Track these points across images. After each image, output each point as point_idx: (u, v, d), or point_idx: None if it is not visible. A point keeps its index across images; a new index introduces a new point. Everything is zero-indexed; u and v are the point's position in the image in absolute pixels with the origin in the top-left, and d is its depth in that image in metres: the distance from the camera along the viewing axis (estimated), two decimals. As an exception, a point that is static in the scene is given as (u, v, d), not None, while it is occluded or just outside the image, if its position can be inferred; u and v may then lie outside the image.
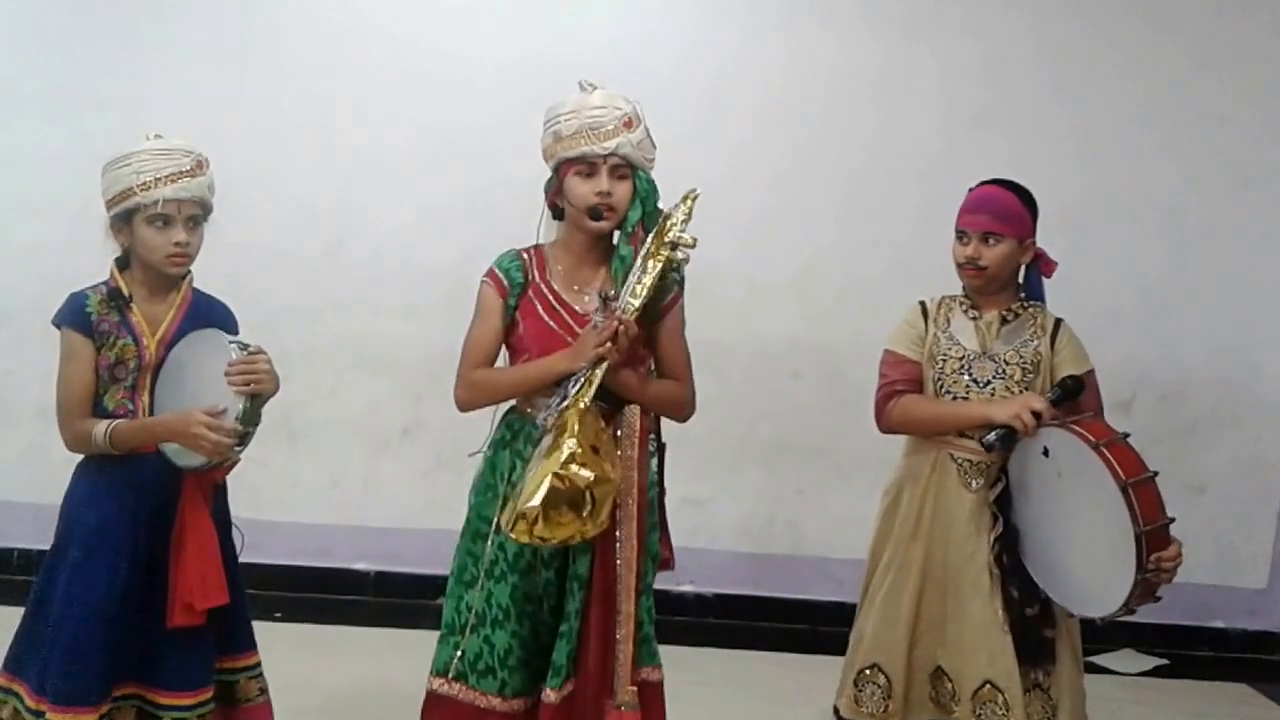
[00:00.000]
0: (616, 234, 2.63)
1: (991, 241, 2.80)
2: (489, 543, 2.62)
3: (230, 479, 4.54)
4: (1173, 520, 2.57)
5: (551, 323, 2.61)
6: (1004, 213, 2.80)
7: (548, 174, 2.68)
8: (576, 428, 2.42)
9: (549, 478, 2.37)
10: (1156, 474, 2.56)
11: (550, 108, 2.64)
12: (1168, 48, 4.52)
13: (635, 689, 2.58)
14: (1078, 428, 2.63)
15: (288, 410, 4.47)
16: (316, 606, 4.58)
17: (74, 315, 2.57)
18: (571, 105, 2.59)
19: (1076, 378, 2.79)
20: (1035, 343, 2.83)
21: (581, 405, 2.46)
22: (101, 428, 2.55)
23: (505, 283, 2.63)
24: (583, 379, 2.49)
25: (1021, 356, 2.81)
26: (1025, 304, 2.88)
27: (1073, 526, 2.66)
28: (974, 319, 2.88)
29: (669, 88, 4.30)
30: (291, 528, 4.64)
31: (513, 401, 2.68)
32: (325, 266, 4.59)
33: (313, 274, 4.58)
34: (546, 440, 2.46)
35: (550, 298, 2.62)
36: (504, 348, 2.69)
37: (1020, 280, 2.91)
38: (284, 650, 4.18)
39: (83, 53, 4.49)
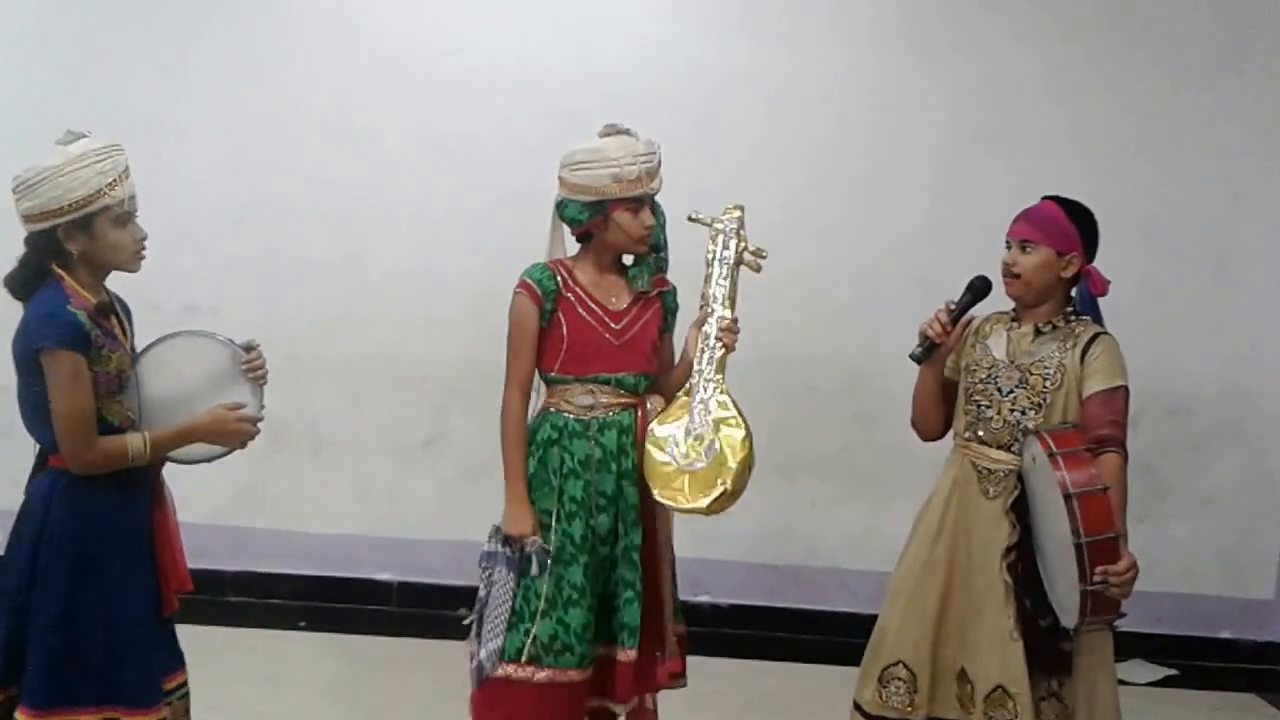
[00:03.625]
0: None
1: (1027, 249, 2.82)
2: (552, 531, 2.90)
3: (257, 489, 4.63)
4: (1119, 535, 2.55)
5: (589, 319, 2.94)
6: (1041, 222, 2.83)
7: (557, 195, 2.93)
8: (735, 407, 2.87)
9: (745, 459, 2.86)
10: (1107, 488, 2.56)
11: (593, 150, 2.86)
12: (1159, 65, 4.56)
13: (676, 639, 3.05)
14: (1048, 436, 2.64)
15: (313, 422, 4.61)
16: (340, 616, 4.63)
17: (71, 335, 2.44)
18: (630, 151, 2.86)
19: (984, 277, 2.88)
20: (1061, 355, 2.80)
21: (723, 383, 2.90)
22: (138, 441, 2.53)
23: (538, 291, 2.92)
24: (713, 364, 2.91)
25: (1045, 367, 2.81)
26: (1070, 318, 2.87)
27: (1052, 534, 2.68)
28: (1008, 329, 2.91)
29: (676, 100, 4.39)
30: (316, 538, 4.69)
31: (548, 402, 2.99)
32: (347, 280, 4.62)
33: (335, 288, 4.62)
34: (701, 417, 2.87)
35: (586, 298, 2.95)
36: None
37: (1074, 296, 2.91)
38: (308, 659, 4.29)
39: (108, 74, 4.52)
